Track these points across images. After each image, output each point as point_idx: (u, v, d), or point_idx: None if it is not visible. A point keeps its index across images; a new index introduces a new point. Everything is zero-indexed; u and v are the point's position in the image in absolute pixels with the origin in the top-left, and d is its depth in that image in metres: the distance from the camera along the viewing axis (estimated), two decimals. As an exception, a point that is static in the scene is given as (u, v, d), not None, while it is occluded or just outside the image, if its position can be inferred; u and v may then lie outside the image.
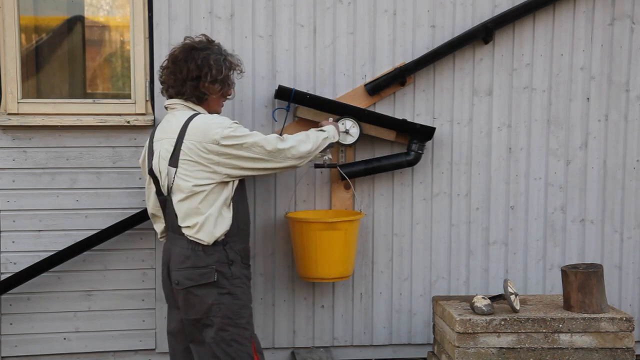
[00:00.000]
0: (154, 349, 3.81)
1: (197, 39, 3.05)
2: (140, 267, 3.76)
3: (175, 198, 2.92)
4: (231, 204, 2.94)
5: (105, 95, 3.96)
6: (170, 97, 3.04)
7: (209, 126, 2.88)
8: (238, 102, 3.73)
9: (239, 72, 3.13)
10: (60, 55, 4.00)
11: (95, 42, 4.02)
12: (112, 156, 3.71)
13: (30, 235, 3.68)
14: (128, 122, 3.66)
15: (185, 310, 2.94)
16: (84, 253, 3.66)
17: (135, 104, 3.71)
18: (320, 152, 3.22)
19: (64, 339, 3.75)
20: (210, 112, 3.05)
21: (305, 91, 3.71)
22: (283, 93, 3.64)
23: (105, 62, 4.04)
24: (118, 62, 4.02)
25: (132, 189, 3.69)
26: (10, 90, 3.64)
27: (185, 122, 2.91)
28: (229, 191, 2.93)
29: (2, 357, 3.70)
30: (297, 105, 3.70)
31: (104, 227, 3.65)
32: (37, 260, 3.62)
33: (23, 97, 3.68)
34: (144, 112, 3.70)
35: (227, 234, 2.92)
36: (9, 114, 3.64)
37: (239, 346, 2.91)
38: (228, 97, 3.13)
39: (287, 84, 3.73)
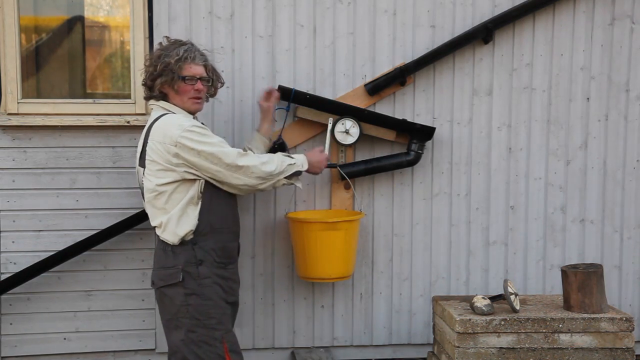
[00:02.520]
0: (153, 349, 3.81)
1: (164, 44, 3.08)
2: (140, 267, 3.76)
3: (145, 198, 2.98)
4: (200, 202, 2.93)
5: (105, 95, 3.95)
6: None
7: (168, 127, 2.88)
8: (238, 102, 3.73)
9: (187, 62, 2.98)
10: (60, 55, 3.99)
11: (95, 42, 4.02)
12: (112, 156, 3.71)
13: (30, 235, 3.68)
14: (128, 122, 3.66)
15: (159, 311, 3.00)
16: (84, 253, 3.66)
17: (135, 104, 3.71)
18: (287, 178, 3.08)
19: (64, 339, 3.75)
20: (185, 110, 3.04)
21: (305, 91, 3.71)
22: (283, 93, 3.64)
23: (105, 62, 4.04)
24: (118, 62, 4.02)
25: (132, 189, 3.69)
26: (10, 90, 3.64)
27: (152, 122, 2.95)
28: (195, 190, 2.92)
29: (2, 357, 3.70)
30: (297, 105, 3.70)
31: (104, 227, 3.65)
32: (37, 260, 3.62)
33: (23, 97, 3.68)
34: (143, 112, 3.70)
35: (196, 233, 2.91)
36: (8, 114, 3.64)
37: (208, 347, 2.90)
38: (186, 90, 2.99)
39: (287, 84, 3.73)
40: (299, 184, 3.19)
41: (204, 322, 2.89)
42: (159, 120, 2.94)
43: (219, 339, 2.92)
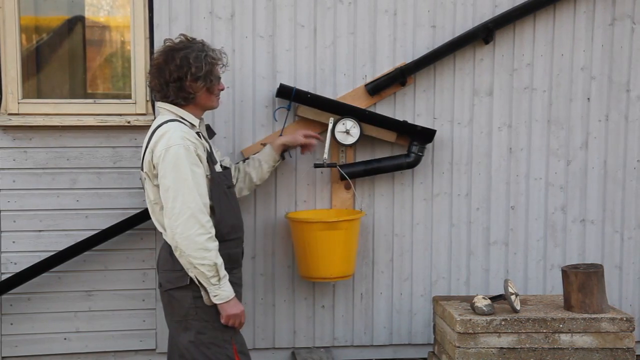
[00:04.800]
0: (154, 349, 3.81)
1: (176, 40, 2.98)
2: (141, 267, 3.76)
3: (147, 202, 2.96)
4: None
5: (106, 96, 3.96)
6: (157, 100, 3.00)
7: (160, 141, 2.81)
8: (238, 102, 3.73)
9: (221, 65, 3.02)
10: (61, 56, 4.00)
11: (95, 42, 4.02)
12: (112, 156, 3.71)
13: (31, 235, 3.68)
14: (128, 122, 3.66)
15: (167, 312, 2.98)
16: (85, 253, 3.66)
17: (136, 104, 3.71)
18: (199, 280, 2.79)
19: (65, 339, 3.75)
20: (205, 108, 3.01)
21: (306, 90, 3.71)
22: (284, 92, 3.64)
23: (106, 62, 4.04)
24: (118, 62, 4.02)
25: (132, 189, 3.70)
26: (10, 91, 3.64)
27: (153, 131, 2.88)
28: None
29: (3, 357, 3.71)
30: (297, 104, 3.70)
31: (104, 227, 3.65)
32: (37, 260, 3.62)
33: (24, 97, 3.69)
34: (144, 112, 3.70)
35: None
36: (9, 114, 3.64)
37: (218, 349, 2.90)
38: (218, 92, 3.03)
39: (287, 84, 3.73)
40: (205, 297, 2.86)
41: (213, 324, 2.89)
42: (161, 128, 2.85)
43: (228, 340, 2.92)
